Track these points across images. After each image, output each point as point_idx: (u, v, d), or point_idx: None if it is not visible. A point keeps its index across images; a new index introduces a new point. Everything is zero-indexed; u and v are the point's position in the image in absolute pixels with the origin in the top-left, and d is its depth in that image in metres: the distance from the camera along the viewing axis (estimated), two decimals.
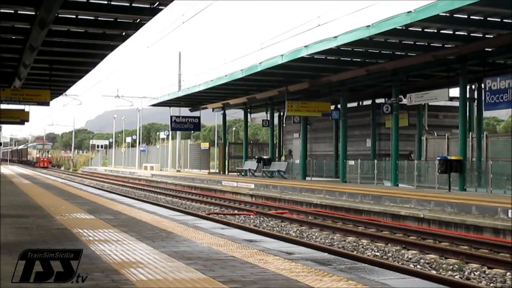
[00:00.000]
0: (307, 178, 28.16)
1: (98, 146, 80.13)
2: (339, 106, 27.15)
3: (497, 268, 9.22)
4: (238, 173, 34.73)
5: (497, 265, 9.37)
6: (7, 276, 4.64)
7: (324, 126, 31.51)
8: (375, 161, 24.29)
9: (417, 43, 19.12)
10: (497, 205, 13.18)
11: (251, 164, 33.35)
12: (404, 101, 22.84)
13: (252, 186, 24.27)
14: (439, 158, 19.60)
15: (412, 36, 18.25)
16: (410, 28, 17.24)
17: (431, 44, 18.95)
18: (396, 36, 18.25)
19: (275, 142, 35.76)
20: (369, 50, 20.53)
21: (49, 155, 77.06)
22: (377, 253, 10.70)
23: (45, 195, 16.71)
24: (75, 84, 27.61)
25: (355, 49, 20.29)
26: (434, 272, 8.96)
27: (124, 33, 16.17)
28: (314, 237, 12.94)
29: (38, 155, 74.25)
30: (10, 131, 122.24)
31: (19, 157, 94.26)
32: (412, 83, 23.30)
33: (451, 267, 9.38)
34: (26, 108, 25.88)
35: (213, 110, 40.31)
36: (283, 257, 6.43)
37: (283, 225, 15.07)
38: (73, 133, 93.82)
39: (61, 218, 10.08)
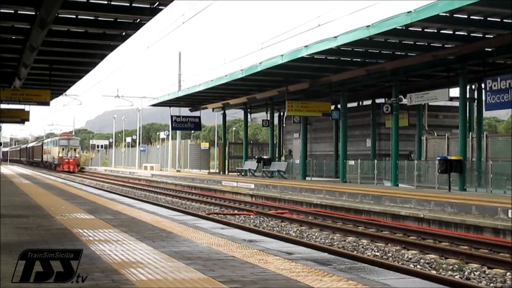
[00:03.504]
0: (307, 178, 28.15)
1: (98, 146, 79.83)
2: (339, 106, 27.15)
3: (497, 268, 9.22)
4: (238, 173, 34.74)
5: (497, 265, 9.37)
6: (7, 276, 4.65)
7: (324, 126, 31.52)
8: (375, 161, 24.29)
9: (417, 43, 19.12)
10: (497, 205, 13.18)
11: (251, 164, 33.36)
12: (404, 101, 22.84)
13: (252, 186, 24.27)
14: (439, 158, 19.60)
15: (412, 36, 18.25)
16: (410, 28, 17.24)
17: (431, 44, 18.95)
18: (396, 36, 18.25)
19: (275, 142, 35.76)
20: (369, 50, 20.53)
21: (77, 155, 57.63)
22: (377, 253, 10.70)
23: (45, 195, 16.71)
24: (75, 84, 27.65)
25: (355, 49, 20.29)
26: (434, 272, 8.96)
27: (124, 33, 16.18)
28: (314, 237, 12.94)
29: (61, 155, 55.77)
30: (10, 131, 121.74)
31: (28, 157, 77.81)
32: (412, 83, 23.31)
33: (451, 267, 9.38)
34: (26, 107, 25.91)
35: (213, 110, 40.33)
36: (283, 257, 6.43)
37: (283, 225, 15.07)
38: (73, 133, 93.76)
39: (61, 218, 10.08)
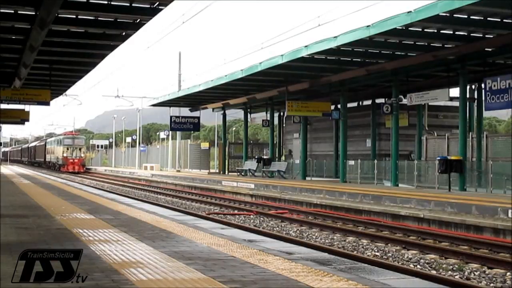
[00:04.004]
0: (307, 178, 28.15)
1: (98, 146, 79.70)
2: (339, 106, 27.16)
3: (497, 268, 9.22)
4: (238, 173, 34.74)
5: (497, 265, 9.37)
6: (7, 276, 4.65)
7: (324, 126, 31.52)
8: (375, 161, 24.29)
9: (417, 43, 19.11)
10: (497, 205, 13.18)
11: (251, 164, 33.36)
12: (404, 101, 22.86)
13: (252, 186, 24.27)
14: (439, 158, 19.60)
15: (412, 36, 18.25)
16: (410, 28, 17.24)
17: (431, 44, 18.95)
18: (396, 36, 18.25)
19: (275, 142, 35.76)
20: (369, 50, 20.53)
21: (82, 155, 54.46)
22: (377, 253, 10.70)
23: (45, 195, 16.71)
24: (75, 84, 27.65)
25: (355, 49, 20.29)
26: (434, 272, 8.96)
27: (124, 33, 16.17)
28: (314, 237, 12.94)
29: (65, 155, 52.62)
30: (10, 131, 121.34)
31: (30, 157, 74.41)
32: (412, 83, 23.30)
33: (451, 267, 9.38)
34: (26, 107, 25.91)
35: (213, 110, 40.34)
36: (283, 257, 6.43)
37: (283, 225, 15.07)
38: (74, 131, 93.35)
39: (61, 218, 10.08)
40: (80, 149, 53.86)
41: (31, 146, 77.38)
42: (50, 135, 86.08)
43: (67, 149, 52.91)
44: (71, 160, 52.23)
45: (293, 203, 20.03)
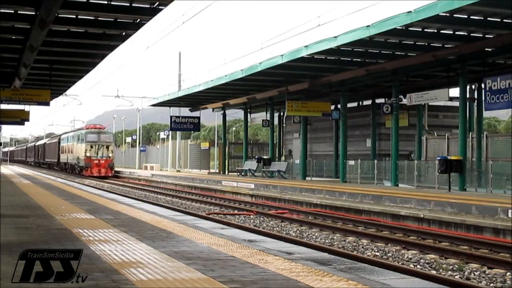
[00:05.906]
0: (307, 178, 28.15)
1: None
2: (339, 106, 27.16)
3: (497, 268, 9.22)
4: (238, 173, 34.74)
5: (497, 265, 9.37)
6: (7, 276, 4.65)
7: (324, 126, 31.52)
8: (375, 161, 24.29)
9: (417, 43, 19.12)
10: (497, 205, 13.18)
11: (251, 164, 33.37)
12: (404, 101, 22.86)
13: (252, 186, 24.27)
14: (439, 158, 19.60)
15: (412, 36, 18.25)
16: (410, 28, 17.24)
17: (431, 44, 18.95)
18: (396, 36, 18.25)
19: (275, 142, 35.76)
20: (369, 50, 20.53)
21: (111, 154, 42.95)
22: (377, 253, 10.70)
23: (45, 195, 16.71)
24: (75, 84, 27.67)
25: (355, 49, 20.29)
26: (434, 272, 8.96)
27: (124, 33, 16.20)
28: (314, 237, 12.94)
29: (88, 154, 41.62)
30: (10, 131, 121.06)
31: (38, 157, 63.85)
32: (412, 83, 23.31)
33: (451, 267, 9.38)
34: (26, 107, 25.91)
35: (213, 110, 40.35)
36: (283, 257, 6.43)
37: (283, 225, 15.07)
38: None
39: (61, 218, 10.08)
40: (107, 147, 42.67)
41: (39, 144, 65.60)
42: (50, 135, 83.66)
43: (91, 147, 41.98)
44: (97, 162, 41.69)
45: (293, 203, 20.03)
